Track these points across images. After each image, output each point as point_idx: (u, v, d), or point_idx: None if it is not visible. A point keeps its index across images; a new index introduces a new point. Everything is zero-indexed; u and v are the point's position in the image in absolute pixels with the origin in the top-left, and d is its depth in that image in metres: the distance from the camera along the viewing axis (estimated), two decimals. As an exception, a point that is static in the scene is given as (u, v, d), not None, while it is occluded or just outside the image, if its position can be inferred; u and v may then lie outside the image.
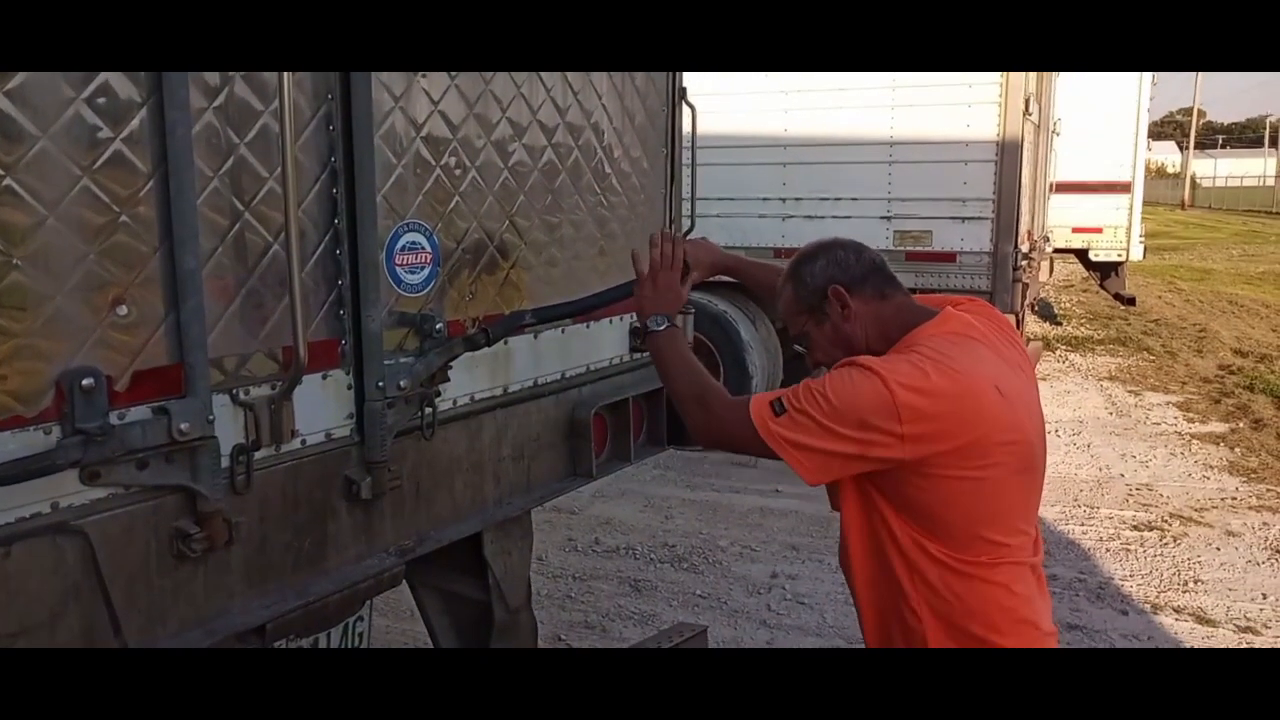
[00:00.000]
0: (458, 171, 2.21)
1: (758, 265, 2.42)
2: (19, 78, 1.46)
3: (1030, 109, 6.33)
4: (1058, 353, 10.80)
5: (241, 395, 1.80)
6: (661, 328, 1.96)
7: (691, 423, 1.85)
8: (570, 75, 2.52)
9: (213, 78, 1.73)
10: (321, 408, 1.97)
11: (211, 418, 1.71)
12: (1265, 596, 4.70)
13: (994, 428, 1.64)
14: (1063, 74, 8.66)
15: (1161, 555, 5.20)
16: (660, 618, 4.38)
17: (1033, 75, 6.52)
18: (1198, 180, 52.42)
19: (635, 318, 2.79)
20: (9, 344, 1.48)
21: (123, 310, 1.62)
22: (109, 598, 1.62)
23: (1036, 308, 13.23)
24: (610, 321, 2.75)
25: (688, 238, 2.91)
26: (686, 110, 3.02)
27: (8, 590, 1.50)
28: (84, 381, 1.55)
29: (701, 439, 1.83)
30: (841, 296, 1.80)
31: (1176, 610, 4.55)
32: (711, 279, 2.34)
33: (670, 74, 2.92)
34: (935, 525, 1.69)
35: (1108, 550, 5.27)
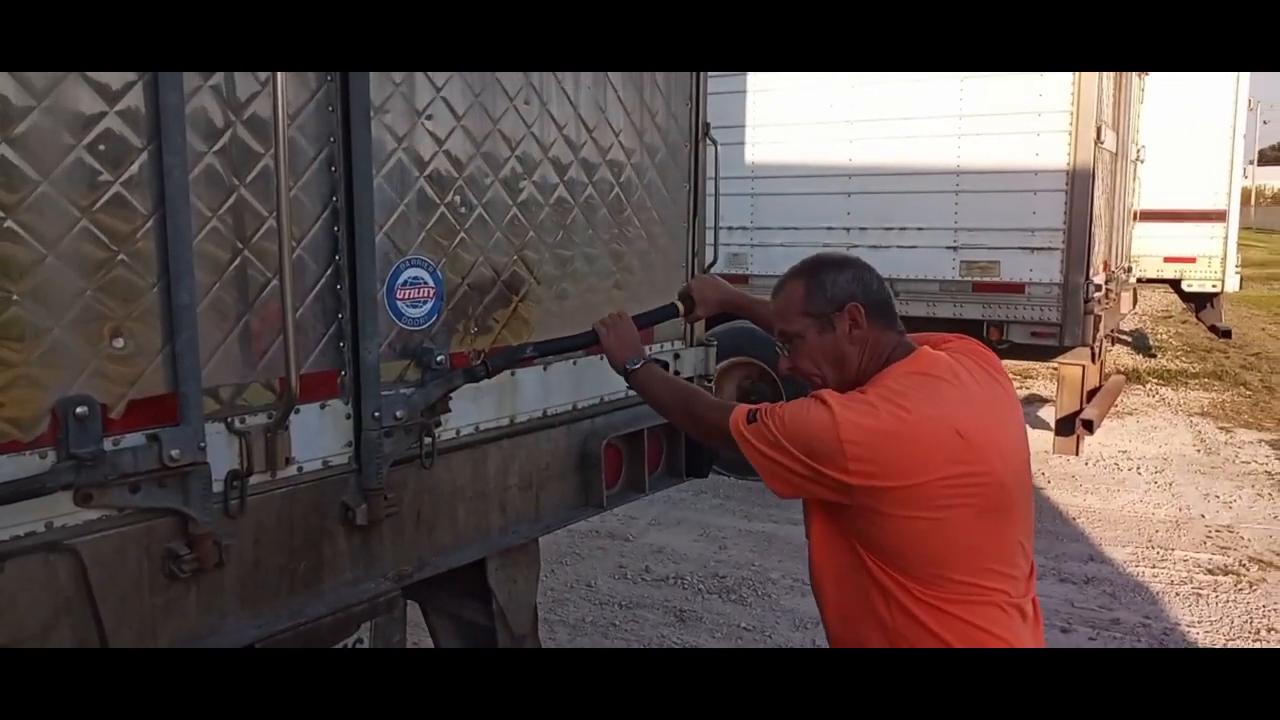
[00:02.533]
0: (463, 209, 2.28)
1: (763, 304, 2.43)
2: (23, 125, 1.57)
3: (1103, 137, 6.17)
4: (1148, 386, 10.43)
5: (237, 423, 1.89)
6: (638, 366, 2.07)
7: (685, 429, 2.00)
8: (584, 113, 2.57)
9: (216, 121, 1.83)
10: (320, 436, 2.05)
11: (203, 444, 1.79)
12: (1343, 648, 4.46)
13: (948, 470, 1.63)
14: (1148, 100, 8.43)
15: (1235, 601, 4.98)
16: (702, 648, 4.37)
17: (1107, 102, 6.37)
18: (1317, 207, 50.07)
19: (653, 350, 2.84)
20: (8, 374, 1.58)
21: (119, 342, 1.72)
22: (99, 614, 1.71)
23: (1129, 339, 12.81)
24: (627, 354, 2.78)
25: (696, 275, 2.95)
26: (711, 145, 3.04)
27: (1, 604, 1.60)
28: (78, 409, 1.65)
29: (694, 439, 2.00)
30: (857, 316, 1.80)
31: (1244, 660, 4.34)
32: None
33: (693, 109, 2.96)
34: (900, 562, 1.69)
35: (1178, 595, 5.06)
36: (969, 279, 6.35)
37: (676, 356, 2.93)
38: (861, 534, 1.71)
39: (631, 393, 2.79)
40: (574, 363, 2.61)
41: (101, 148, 1.67)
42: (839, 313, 1.80)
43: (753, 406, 1.78)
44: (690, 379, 3.01)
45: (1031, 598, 1.81)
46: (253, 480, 1.91)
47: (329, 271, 2.04)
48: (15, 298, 1.58)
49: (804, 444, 1.66)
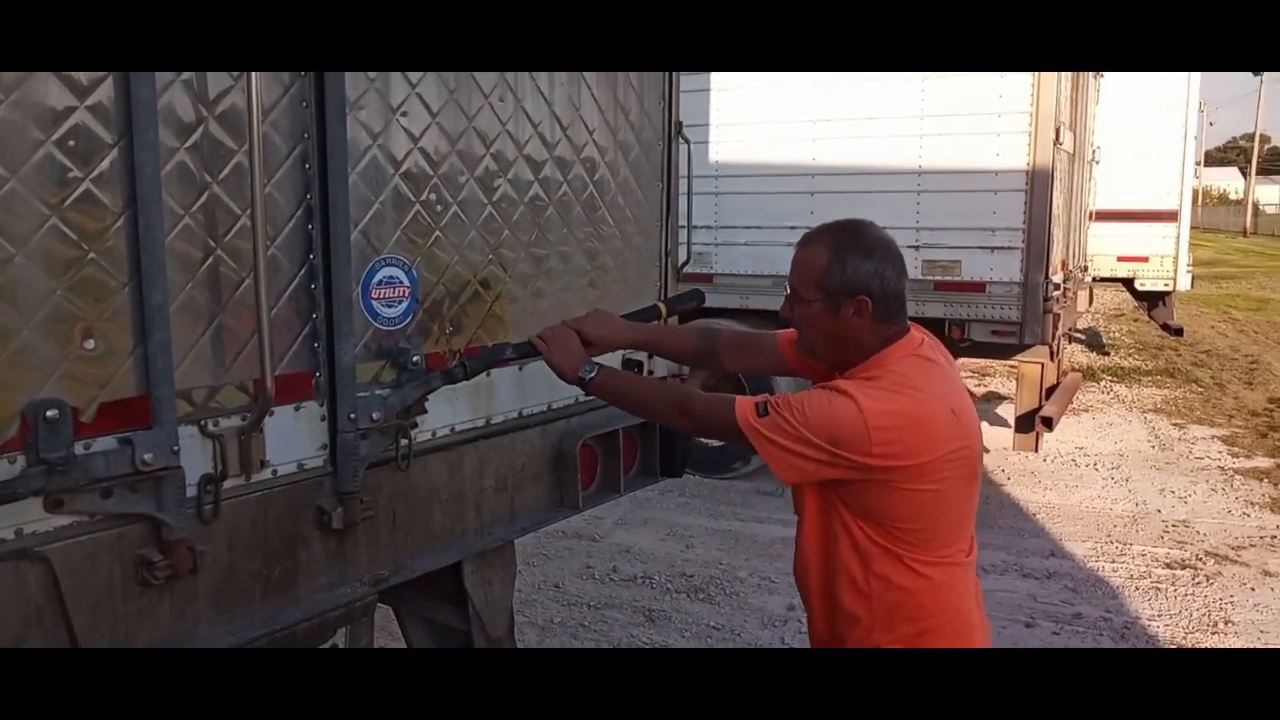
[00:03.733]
0: (439, 207, 2.25)
1: (668, 333, 2.41)
2: (-11, 121, 1.53)
3: (1061, 137, 6.25)
4: (1102, 384, 10.61)
5: (210, 426, 1.85)
6: (593, 374, 2.06)
7: (680, 426, 2.01)
8: (559, 110, 2.55)
9: (187, 117, 1.79)
10: (294, 438, 2.01)
11: (177, 448, 1.75)
12: (1298, 639, 4.56)
13: (949, 445, 1.75)
14: (1103, 103, 8.56)
15: (1193, 595, 5.07)
16: (671, 648, 4.36)
17: (1064, 103, 6.45)
18: (1261, 207, 51.26)
19: (626, 351, 2.82)
20: (-25, 376, 1.53)
21: (90, 344, 1.67)
22: (70, 622, 1.66)
23: (1083, 338, 13.01)
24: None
25: (677, 279, 2.94)
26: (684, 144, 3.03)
27: (-30, 613, 1.55)
28: (49, 413, 1.60)
29: (692, 435, 1.94)
30: (863, 309, 1.82)
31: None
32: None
33: (665, 107, 2.95)
34: (892, 528, 1.79)
35: (1137, 589, 5.14)
36: (931, 278, 6.40)
37: (650, 356, 2.91)
38: (861, 504, 1.80)
39: (605, 393, 2.79)
40: (549, 363, 2.58)
41: (71, 143, 1.62)
42: (848, 299, 1.82)
43: (758, 399, 1.81)
44: (663, 379, 3.00)
45: (974, 558, 1.94)
46: (227, 484, 1.88)
47: (303, 270, 2.01)
48: (-18, 298, 1.53)
49: (829, 434, 1.72)
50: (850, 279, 1.81)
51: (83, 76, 1.62)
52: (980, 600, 1.94)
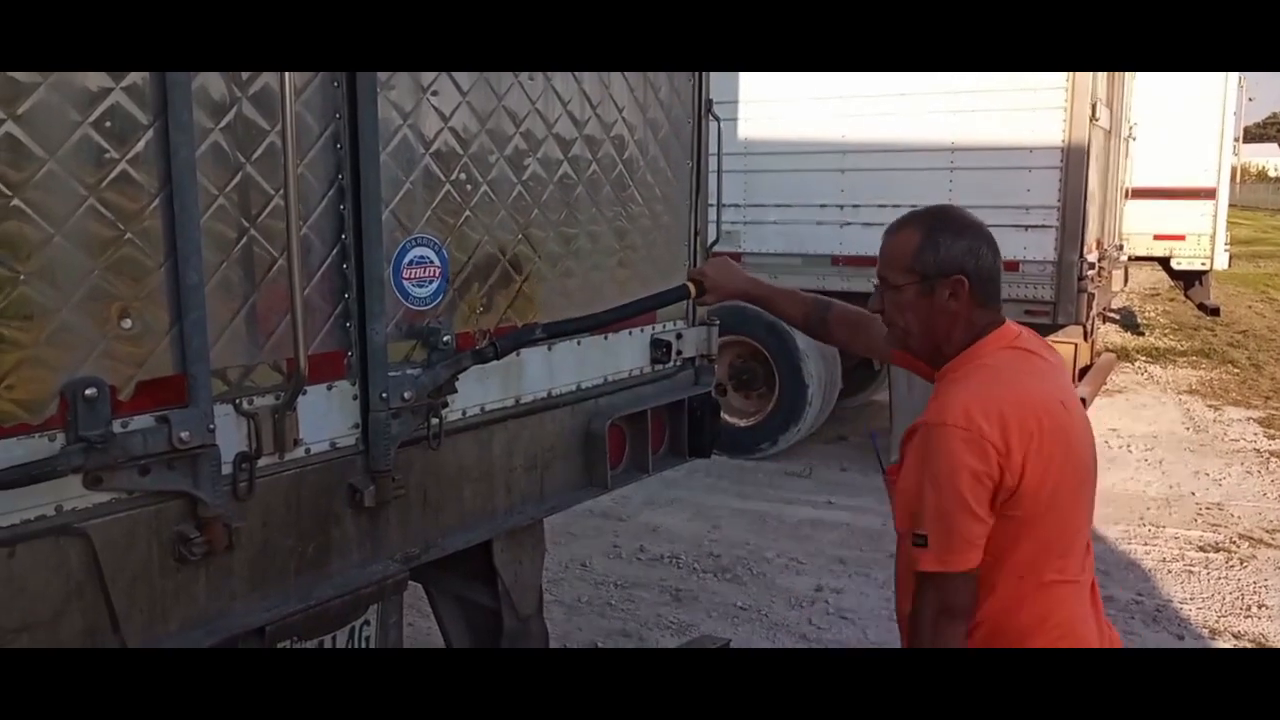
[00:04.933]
0: (469, 186, 2.26)
1: (785, 295, 2.40)
2: (29, 102, 1.54)
3: (1098, 114, 6.16)
4: (1137, 364, 10.49)
5: (245, 405, 1.87)
6: None
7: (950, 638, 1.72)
8: (588, 88, 2.54)
9: (220, 98, 1.80)
10: (327, 417, 2.03)
11: (212, 426, 1.77)
12: (1333, 624, 4.51)
13: (1063, 441, 1.68)
14: (1139, 78, 8.41)
15: (1226, 578, 5.02)
16: (698, 629, 4.38)
17: (1101, 79, 6.35)
18: (1301, 184, 50.26)
19: (655, 329, 2.82)
20: (16, 355, 1.56)
21: (127, 323, 1.69)
22: (109, 597, 1.69)
23: (1117, 318, 12.85)
24: (630, 333, 2.77)
25: (710, 257, 2.92)
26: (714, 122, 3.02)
27: (12, 588, 1.58)
28: (87, 391, 1.62)
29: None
30: (959, 289, 1.75)
31: (1235, 636, 4.39)
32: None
33: (696, 85, 2.93)
34: (1014, 549, 1.67)
35: (1169, 572, 5.10)
36: (963, 257, 6.34)
37: (679, 336, 2.91)
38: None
39: (635, 372, 2.80)
40: (579, 343, 2.59)
41: (108, 124, 1.64)
42: (943, 279, 1.74)
43: (913, 540, 1.66)
44: (691, 359, 2.99)
45: (1091, 576, 1.84)
46: (261, 462, 1.89)
47: (335, 251, 2.02)
48: (23, 277, 1.55)
49: (973, 493, 1.60)
50: (945, 259, 1.74)
51: (118, 58, 1.63)
52: (1097, 624, 1.81)
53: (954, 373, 1.77)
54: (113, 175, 1.65)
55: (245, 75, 1.82)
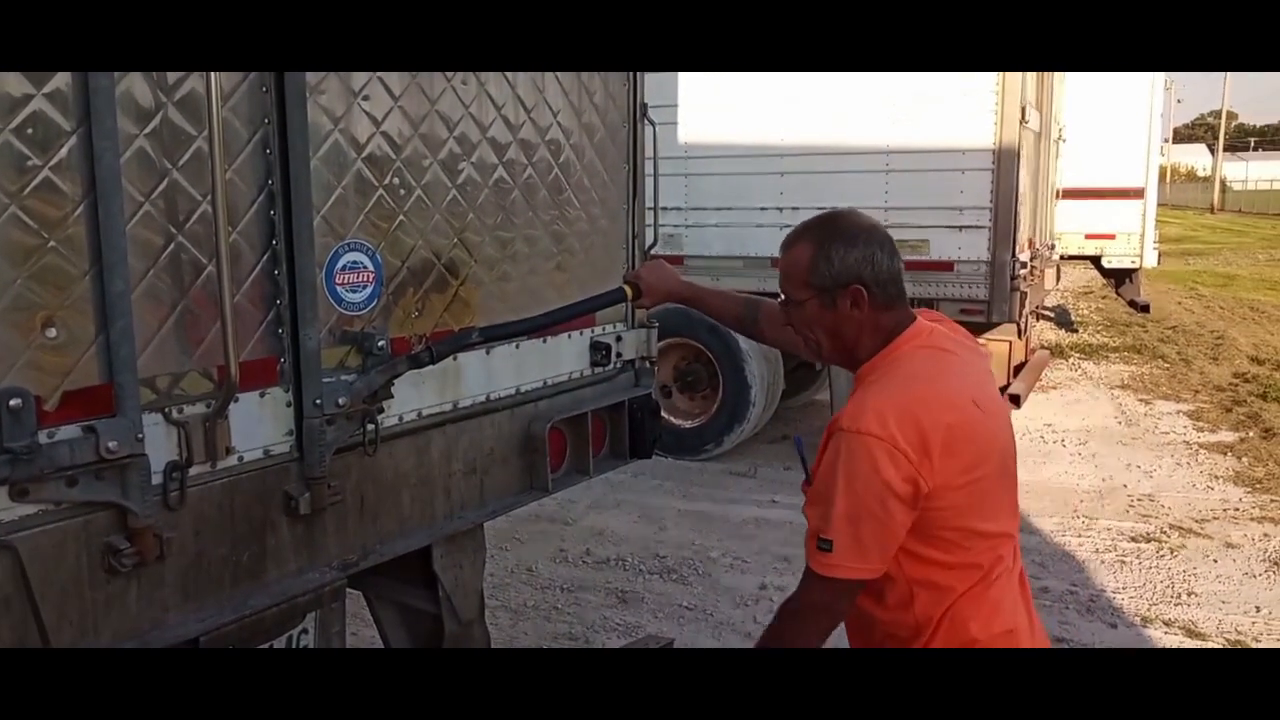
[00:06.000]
0: (402, 191, 2.25)
1: (717, 295, 2.46)
2: (-56, 109, 1.52)
3: (1027, 117, 6.30)
4: (1070, 361, 10.73)
5: (175, 414, 1.85)
6: None
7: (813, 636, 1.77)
8: (522, 92, 2.55)
9: (145, 103, 1.78)
10: (260, 425, 2.01)
11: (141, 436, 1.75)
12: (1259, 610, 4.65)
13: (981, 440, 1.70)
14: (1069, 81, 8.62)
15: (1157, 567, 5.16)
16: (644, 629, 4.40)
17: (1030, 82, 6.50)
18: (1228, 184, 51.76)
19: (595, 332, 2.84)
20: (-65, 366, 1.53)
21: (52, 332, 1.66)
22: (38, 610, 1.66)
23: (1051, 315, 13.12)
24: (569, 336, 2.78)
25: (644, 260, 2.95)
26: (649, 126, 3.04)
27: (-64, 603, 1.55)
28: (11, 402, 1.59)
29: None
30: (859, 298, 1.76)
31: (1167, 623, 4.52)
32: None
33: (630, 89, 2.95)
34: (935, 538, 1.71)
35: (1102, 562, 5.23)
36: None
37: (619, 339, 2.93)
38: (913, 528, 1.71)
39: (574, 375, 2.81)
40: (517, 347, 2.59)
41: (30, 131, 1.61)
42: (842, 291, 1.76)
43: (817, 543, 1.68)
44: (630, 361, 3.02)
45: (1020, 565, 1.88)
46: (192, 471, 1.87)
47: (266, 256, 2.00)
48: (-59, 287, 1.53)
49: (880, 499, 1.62)
50: (840, 270, 1.75)
51: (39, 63, 1.61)
52: (1027, 613, 1.85)
53: (870, 375, 1.79)
54: (35, 182, 1.63)
55: (171, 80, 1.80)
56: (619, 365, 2.96)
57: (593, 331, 2.87)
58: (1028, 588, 1.92)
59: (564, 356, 2.78)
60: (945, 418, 1.66)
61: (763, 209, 6.85)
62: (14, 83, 1.58)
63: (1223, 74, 50.88)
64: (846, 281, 1.75)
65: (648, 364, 3.08)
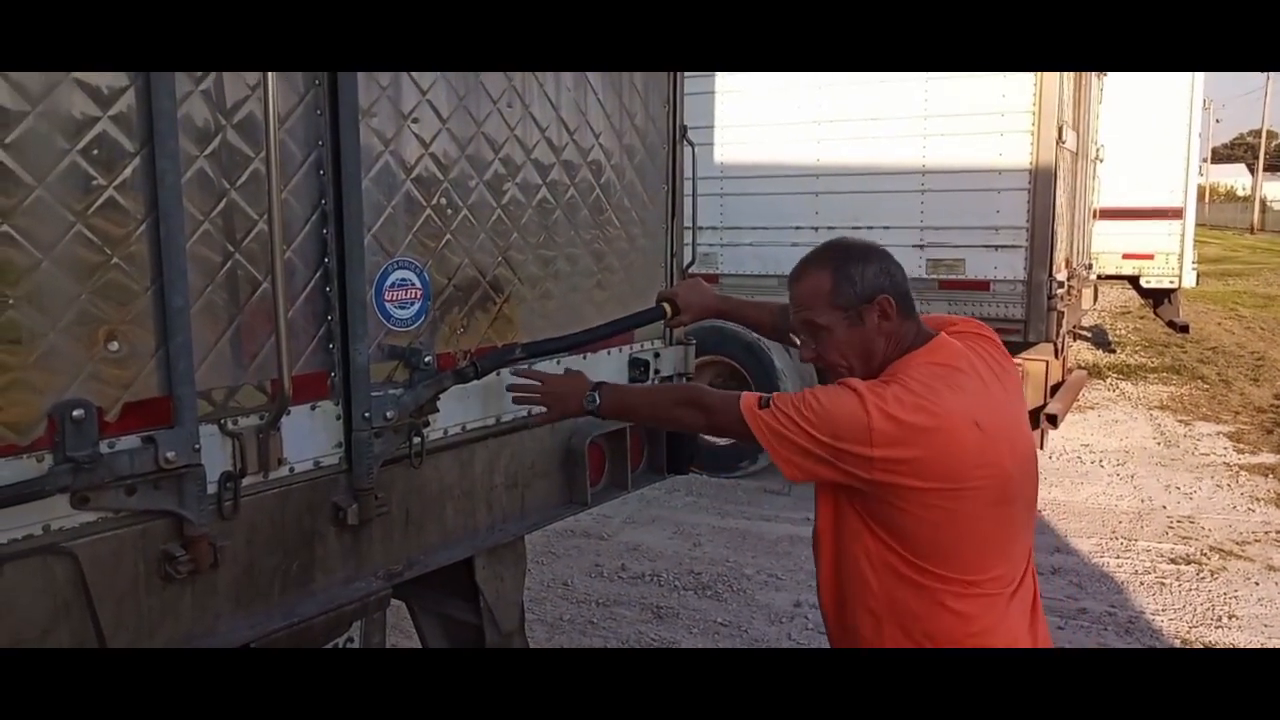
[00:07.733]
0: (449, 211, 2.31)
1: (752, 305, 2.53)
2: (18, 130, 1.58)
3: (1064, 136, 6.29)
4: (1108, 381, 10.63)
5: (230, 425, 1.90)
6: (596, 403, 2.14)
7: (693, 425, 1.97)
8: (565, 115, 2.60)
9: (205, 125, 1.84)
10: (310, 437, 2.06)
11: (198, 446, 1.80)
12: (1302, 633, 4.59)
13: (968, 464, 1.69)
14: (1106, 100, 8.58)
15: (1197, 590, 5.10)
16: (679, 645, 4.41)
17: (1067, 102, 6.48)
18: (1268, 203, 51.04)
19: (633, 349, 2.88)
20: (4, 378, 1.59)
21: (114, 346, 1.73)
22: (96, 615, 1.71)
23: (1089, 335, 13.02)
24: (608, 353, 2.82)
25: (683, 279, 2.99)
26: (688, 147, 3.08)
27: (1, 607, 1.61)
28: (75, 413, 1.65)
29: (705, 432, 1.97)
30: (888, 308, 1.80)
31: (1207, 646, 4.46)
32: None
33: (670, 111, 3.00)
34: (905, 543, 1.74)
35: (1142, 584, 5.18)
36: (935, 277, 6.44)
37: (656, 355, 2.97)
38: (873, 515, 1.76)
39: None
40: (558, 362, 2.63)
41: (95, 152, 1.68)
42: (869, 306, 1.80)
43: (763, 395, 1.81)
44: (669, 378, 3.05)
45: (1029, 588, 1.85)
46: (246, 481, 1.93)
47: (318, 274, 2.06)
48: (11, 302, 1.59)
49: (831, 429, 1.69)
50: (864, 287, 1.80)
51: (104, 86, 1.67)
52: (1032, 636, 1.83)
53: (879, 381, 1.80)
54: (100, 202, 1.69)
55: (229, 103, 1.87)
56: (657, 381, 3.00)
57: (631, 348, 2.91)
58: (1040, 614, 1.88)
59: (604, 372, 2.81)
60: (924, 421, 1.67)
61: (797, 228, 6.87)
62: (80, 104, 1.65)
63: (1263, 92, 50.31)
64: (872, 295, 1.80)
65: (685, 380, 3.11)
